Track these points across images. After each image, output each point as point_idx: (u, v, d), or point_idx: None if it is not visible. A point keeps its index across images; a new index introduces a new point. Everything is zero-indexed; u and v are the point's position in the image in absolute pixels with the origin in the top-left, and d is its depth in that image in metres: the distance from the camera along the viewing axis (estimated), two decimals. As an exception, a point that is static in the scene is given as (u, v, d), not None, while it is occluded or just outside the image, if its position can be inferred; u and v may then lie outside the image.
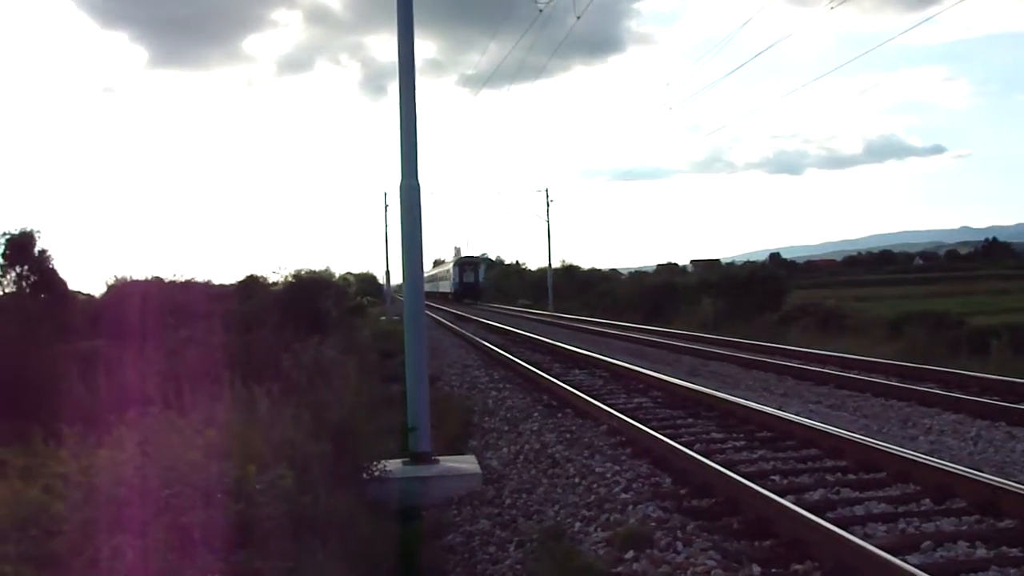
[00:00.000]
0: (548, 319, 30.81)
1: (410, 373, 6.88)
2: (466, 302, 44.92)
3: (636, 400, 9.75)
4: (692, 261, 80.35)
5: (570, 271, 52.85)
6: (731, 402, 8.61)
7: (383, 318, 31.80)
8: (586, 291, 41.84)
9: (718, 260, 71.96)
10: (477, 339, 19.67)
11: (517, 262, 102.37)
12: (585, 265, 59.40)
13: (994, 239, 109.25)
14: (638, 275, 51.21)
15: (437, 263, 71.41)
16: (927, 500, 5.22)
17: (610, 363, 12.98)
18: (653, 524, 4.94)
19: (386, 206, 42.60)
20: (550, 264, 43.96)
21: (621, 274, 64.57)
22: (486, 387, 11.75)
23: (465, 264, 51.34)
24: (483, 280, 51.25)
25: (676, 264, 65.86)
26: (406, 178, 6.88)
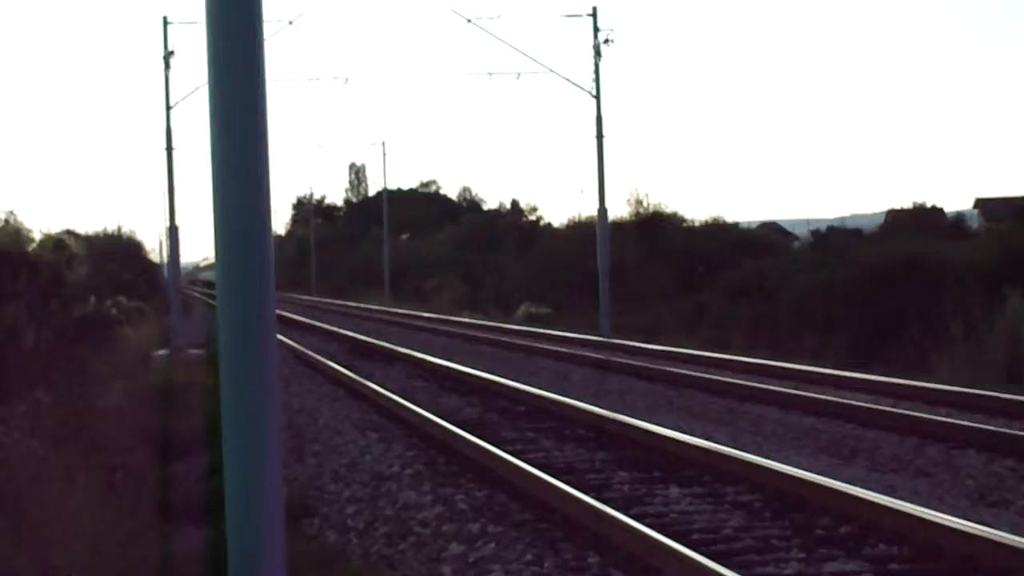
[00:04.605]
0: (599, 352, 30.94)
1: (234, 500, 6.74)
2: None
3: (850, 566, 9.79)
4: (979, 202, 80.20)
5: (651, 226, 52.46)
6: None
7: (162, 352, 31.83)
8: (692, 275, 41.79)
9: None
10: (412, 406, 19.63)
11: (516, 205, 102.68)
12: (691, 213, 59.55)
13: None
14: (836, 237, 51.18)
15: None
16: None
17: (761, 469, 13.00)
18: None
19: (167, 56, 42.46)
20: (603, 204, 43.62)
21: (794, 238, 63.82)
22: (435, 534, 11.76)
23: None
24: None
25: (936, 209, 65.28)
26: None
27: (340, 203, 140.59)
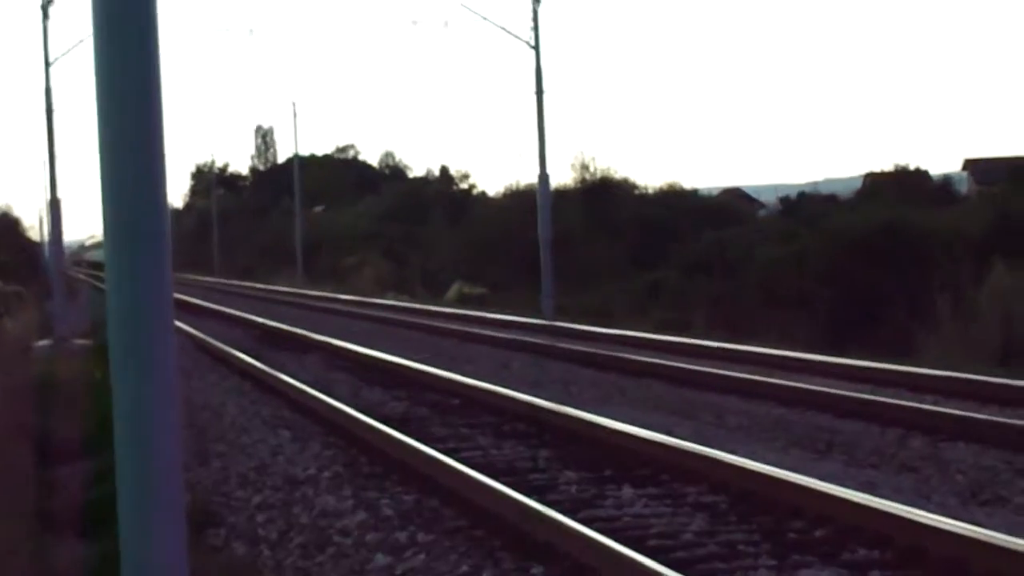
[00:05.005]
0: (540, 337, 31.21)
1: (128, 508, 6.66)
2: None
3: (826, 573, 9.81)
4: (969, 164, 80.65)
5: (599, 194, 52.69)
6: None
7: (44, 342, 31.60)
8: (646, 249, 41.86)
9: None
10: (330, 400, 19.60)
11: (445, 172, 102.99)
12: (644, 179, 59.77)
13: None
14: (807, 203, 51.35)
15: None
16: None
17: (725, 466, 13.04)
18: None
19: (46, 5, 42.13)
20: (543, 169, 43.62)
21: (760, 205, 63.89)
22: (357, 545, 11.77)
23: None
24: None
25: (920, 172, 65.63)
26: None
27: (245, 171, 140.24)
